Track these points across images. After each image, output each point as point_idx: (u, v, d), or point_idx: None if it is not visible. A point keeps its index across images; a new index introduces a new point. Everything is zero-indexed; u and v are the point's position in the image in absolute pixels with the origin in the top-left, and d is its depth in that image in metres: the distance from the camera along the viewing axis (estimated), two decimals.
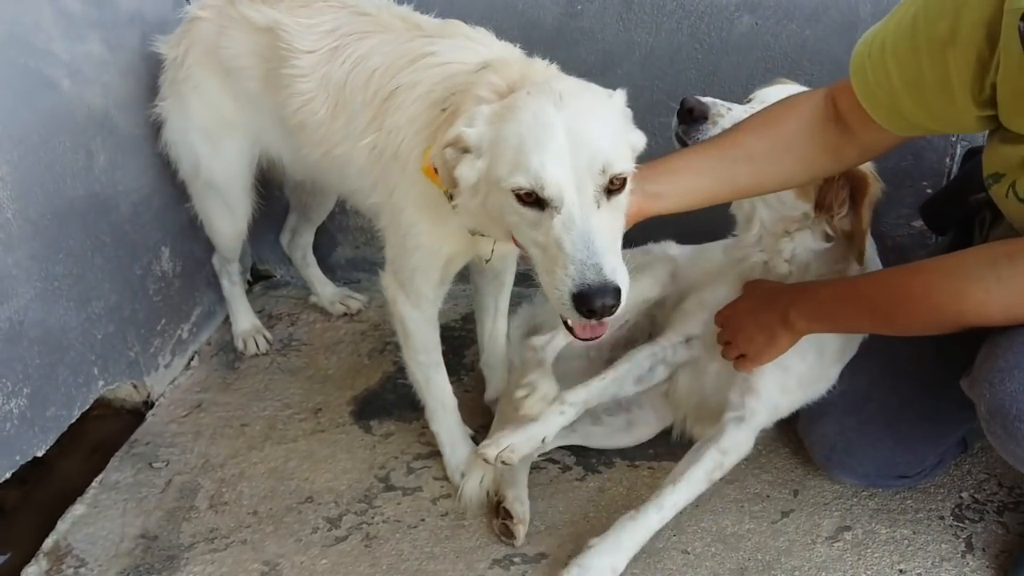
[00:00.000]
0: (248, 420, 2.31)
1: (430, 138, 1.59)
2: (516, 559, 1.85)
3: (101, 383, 2.18)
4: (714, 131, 1.69)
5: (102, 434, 2.31)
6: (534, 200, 1.38)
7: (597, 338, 1.47)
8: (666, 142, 2.37)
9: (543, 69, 1.59)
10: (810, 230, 1.77)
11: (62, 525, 2.01)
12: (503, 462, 1.81)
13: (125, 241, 2.23)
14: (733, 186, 1.61)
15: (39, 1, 1.91)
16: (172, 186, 2.34)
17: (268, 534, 1.97)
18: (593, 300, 1.32)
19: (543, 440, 1.87)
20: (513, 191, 1.39)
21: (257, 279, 2.91)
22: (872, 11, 2.06)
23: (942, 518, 1.88)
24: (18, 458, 1.92)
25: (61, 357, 2.03)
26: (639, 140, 1.51)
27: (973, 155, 1.85)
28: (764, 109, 1.63)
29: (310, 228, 2.63)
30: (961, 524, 1.86)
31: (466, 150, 1.44)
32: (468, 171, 1.45)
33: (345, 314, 2.70)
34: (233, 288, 2.56)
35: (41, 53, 1.92)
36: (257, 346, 2.56)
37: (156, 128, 2.22)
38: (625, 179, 1.41)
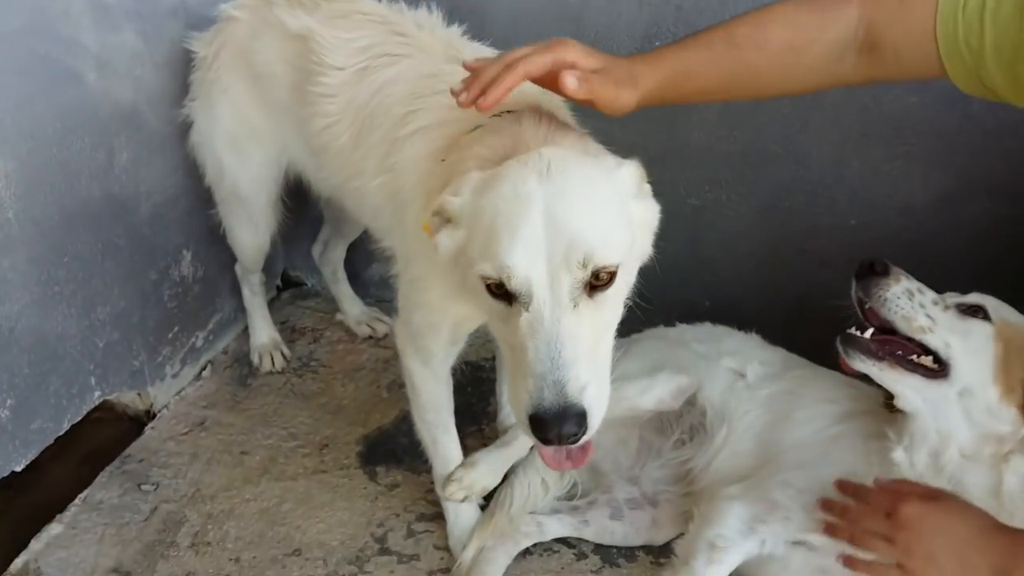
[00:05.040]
0: (249, 448, 2.16)
1: (429, 191, 1.41)
2: None
3: (98, 393, 2.05)
4: (896, 288, 1.54)
5: (98, 440, 2.20)
6: (503, 292, 1.17)
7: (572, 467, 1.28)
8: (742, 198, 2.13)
9: (537, 130, 1.35)
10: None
11: (36, 544, 1.89)
12: None
13: (142, 245, 2.09)
14: (732, 75, 1.42)
15: None
16: (201, 187, 2.18)
17: None
18: (547, 427, 1.13)
19: None
20: (481, 278, 1.19)
21: (287, 285, 2.76)
22: None
23: None
24: None
25: (55, 367, 1.90)
26: (650, 214, 1.29)
27: None
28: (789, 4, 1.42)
29: (343, 243, 2.46)
30: None
31: (449, 220, 1.26)
32: (447, 240, 1.26)
33: (370, 336, 2.53)
34: (254, 299, 2.41)
35: (66, 43, 1.78)
36: (273, 363, 2.40)
37: (187, 127, 2.07)
38: (614, 273, 1.18)
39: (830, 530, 1.51)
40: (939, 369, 1.50)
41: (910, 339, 1.53)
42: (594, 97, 1.29)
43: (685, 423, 1.90)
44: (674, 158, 2.12)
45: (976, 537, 1.35)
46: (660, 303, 2.30)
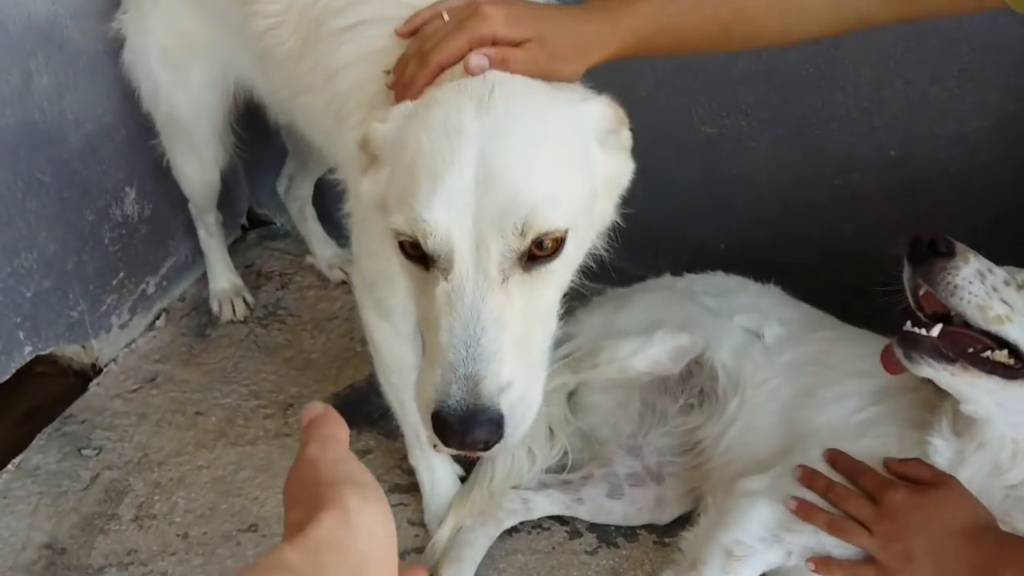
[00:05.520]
0: (205, 408, 1.94)
1: (370, 102, 1.16)
2: None
3: (28, 349, 1.83)
4: (967, 270, 1.22)
5: (39, 398, 1.98)
6: (420, 253, 0.94)
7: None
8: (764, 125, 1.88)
9: None
10: None
11: None
12: None
13: (73, 180, 1.83)
14: (721, 27, 1.16)
15: None
16: (143, 114, 1.90)
17: (194, 568, 1.62)
18: (450, 430, 0.90)
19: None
20: (394, 233, 0.95)
21: (254, 224, 2.49)
22: None
23: None
24: None
25: None
26: (619, 169, 1.04)
27: None
28: None
29: (309, 178, 2.19)
30: None
31: (376, 158, 1.01)
32: (368, 186, 1.02)
33: (344, 282, 2.27)
34: (211, 240, 2.15)
35: None
36: (234, 311, 2.16)
37: (121, 45, 1.78)
38: (561, 240, 0.93)
39: (804, 511, 1.29)
40: (1018, 366, 1.22)
41: (976, 328, 1.23)
42: (517, 74, 1.03)
43: (694, 386, 1.65)
44: (686, 79, 1.83)
45: (958, 537, 1.21)
46: (668, 245, 2.06)
